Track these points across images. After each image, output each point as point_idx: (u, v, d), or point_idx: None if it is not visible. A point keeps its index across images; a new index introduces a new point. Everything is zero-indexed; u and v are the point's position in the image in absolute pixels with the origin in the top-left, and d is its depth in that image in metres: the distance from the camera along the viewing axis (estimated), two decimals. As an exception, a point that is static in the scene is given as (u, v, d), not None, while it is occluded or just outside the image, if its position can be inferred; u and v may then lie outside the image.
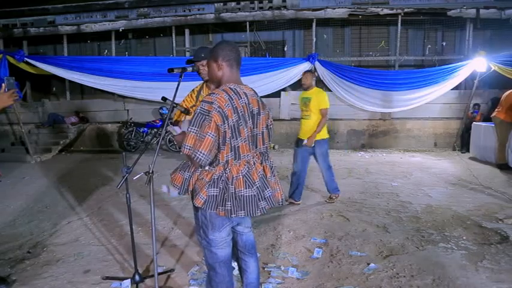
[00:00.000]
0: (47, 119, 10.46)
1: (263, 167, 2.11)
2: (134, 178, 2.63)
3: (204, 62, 2.92)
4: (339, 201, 4.98)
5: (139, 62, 9.25)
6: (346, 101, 9.66)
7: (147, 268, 3.21)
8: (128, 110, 10.67)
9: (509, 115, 6.87)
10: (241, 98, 2.00)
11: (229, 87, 2.01)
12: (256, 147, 2.09)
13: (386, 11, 9.47)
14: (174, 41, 10.54)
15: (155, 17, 10.53)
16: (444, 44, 10.53)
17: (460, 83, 9.19)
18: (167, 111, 9.85)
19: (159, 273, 2.93)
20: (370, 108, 9.51)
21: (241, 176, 1.98)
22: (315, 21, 9.90)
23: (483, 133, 7.81)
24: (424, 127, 9.74)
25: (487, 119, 8.74)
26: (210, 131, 1.88)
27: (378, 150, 9.48)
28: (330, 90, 9.70)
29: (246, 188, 1.97)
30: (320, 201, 5.08)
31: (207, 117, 1.89)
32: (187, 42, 11.09)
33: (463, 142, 9.09)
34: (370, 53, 10.72)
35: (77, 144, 10.78)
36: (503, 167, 6.92)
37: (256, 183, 2.02)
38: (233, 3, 11.30)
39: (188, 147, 1.90)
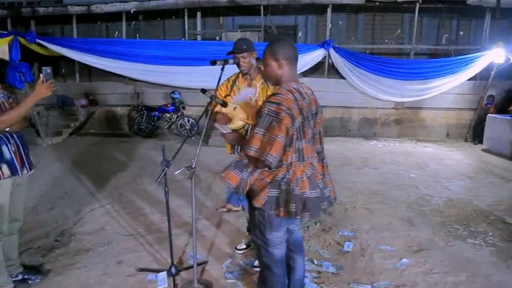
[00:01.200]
0: (56, 101, 10.38)
1: (321, 166, 2.09)
2: (176, 172, 2.61)
3: (245, 54, 2.87)
4: (360, 193, 4.99)
5: (153, 45, 9.13)
6: (359, 89, 9.57)
7: (180, 260, 3.22)
8: (138, 93, 10.59)
9: (527, 108, 6.83)
10: (304, 98, 1.97)
11: (293, 87, 1.97)
12: (315, 147, 2.06)
13: (404, -2, 9.29)
14: (186, 24, 10.39)
15: (168, -1, 10.32)
16: (462, 33, 10.38)
17: (475, 74, 9.09)
18: (179, 96, 9.80)
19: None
20: (384, 97, 9.44)
21: (305, 178, 1.96)
22: (330, 7, 9.73)
23: (498, 125, 7.77)
24: (436, 117, 9.69)
25: (500, 110, 8.71)
26: (280, 134, 1.84)
27: (390, 139, 9.44)
28: (343, 78, 9.63)
29: (310, 190, 1.96)
30: (341, 192, 5.07)
31: (275, 118, 1.85)
32: (198, 26, 10.92)
33: (475, 133, 9.06)
34: (386, 40, 10.56)
35: (87, 127, 10.74)
36: (519, 160, 6.92)
37: (319, 184, 2.02)
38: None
39: (254, 149, 1.87)
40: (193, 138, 9.55)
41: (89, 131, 10.68)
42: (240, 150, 2.97)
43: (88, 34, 11.35)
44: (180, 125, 9.74)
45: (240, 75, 3.05)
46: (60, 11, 10.61)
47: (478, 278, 2.90)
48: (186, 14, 10.36)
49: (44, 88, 2.43)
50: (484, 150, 8.12)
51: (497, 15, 9.06)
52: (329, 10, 9.78)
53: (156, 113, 9.86)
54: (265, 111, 1.88)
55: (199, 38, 10.95)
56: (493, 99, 9.04)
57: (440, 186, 5.38)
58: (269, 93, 2.92)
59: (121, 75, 10.11)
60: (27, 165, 2.65)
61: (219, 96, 2.92)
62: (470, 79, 9.17)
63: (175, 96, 9.69)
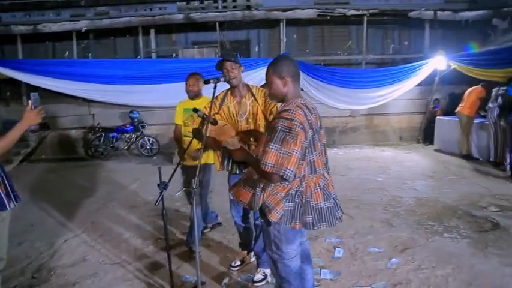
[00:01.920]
0: (2, 127, 9.67)
1: (329, 176, 2.17)
2: (176, 194, 2.56)
3: (234, 65, 2.91)
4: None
5: (108, 65, 8.84)
6: (317, 99, 9.90)
7: (174, 284, 3.13)
8: (93, 114, 10.19)
9: (471, 110, 7.44)
10: (312, 113, 2.05)
11: (301, 103, 2.04)
12: (323, 159, 2.14)
13: (352, 12, 9.85)
14: (141, 42, 10.22)
15: (121, 17, 10.11)
16: (406, 43, 11.15)
17: (422, 80, 9.78)
18: (138, 115, 9.55)
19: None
20: (340, 106, 9.86)
21: (318, 189, 2.02)
22: (284, 22, 10.06)
23: (447, 127, 8.41)
24: (390, 122, 10.28)
25: (446, 113, 9.43)
26: (296, 148, 1.89)
27: (349, 146, 9.85)
28: (301, 90, 9.93)
29: (324, 200, 2.02)
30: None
31: (288, 134, 1.90)
32: (153, 43, 10.79)
33: (426, 135, 9.73)
34: (338, 52, 11.06)
35: (38, 152, 10.09)
36: (467, 157, 7.51)
37: (332, 194, 2.09)
38: (196, 3, 11.10)
39: (270, 165, 1.91)
40: (155, 157, 9.37)
41: (40, 157, 10.04)
42: (236, 167, 3.00)
43: (34, 54, 10.77)
44: (141, 145, 9.49)
45: (229, 92, 3.07)
46: (3, 30, 9.99)
47: (463, 269, 3.12)
48: (140, 32, 10.20)
49: (33, 115, 2.31)
50: (436, 150, 8.72)
51: (435, 26, 9.87)
52: (283, 24, 10.10)
53: (115, 133, 9.53)
54: (279, 127, 1.93)
55: (154, 55, 10.80)
56: (438, 102, 9.78)
57: (407, 187, 5.71)
58: (259, 111, 2.99)
59: (74, 96, 9.67)
60: (13, 197, 2.47)
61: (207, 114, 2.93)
62: (417, 85, 9.86)
63: (134, 115, 9.44)
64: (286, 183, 1.98)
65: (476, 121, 7.42)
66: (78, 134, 10.19)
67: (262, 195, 2.03)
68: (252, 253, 3.44)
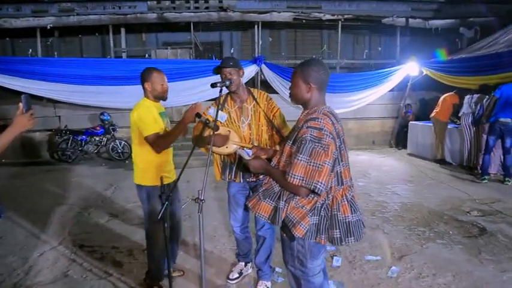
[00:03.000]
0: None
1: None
2: (182, 206, 2.37)
3: (232, 71, 2.78)
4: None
5: (76, 64, 8.34)
6: (292, 103, 9.90)
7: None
8: (59, 116, 9.63)
9: (445, 115, 7.68)
10: (338, 121, 1.95)
11: (328, 111, 1.94)
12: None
13: (328, 17, 9.94)
14: (111, 41, 9.78)
15: (90, 15, 9.62)
16: (380, 48, 11.42)
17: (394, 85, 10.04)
18: (109, 117, 9.12)
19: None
20: (316, 110, 9.88)
21: (346, 202, 1.92)
22: (260, 24, 9.98)
23: (420, 131, 8.65)
24: (363, 126, 10.46)
25: (417, 118, 9.73)
26: (327, 160, 1.79)
27: (325, 149, 9.89)
28: (276, 93, 9.89)
29: (352, 213, 1.93)
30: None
31: (318, 144, 1.80)
32: (123, 43, 10.38)
33: (398, 140, 9.98)
34: (312, 55, 11.13)
35: (-3, 156, 9.42)
36: (441, 161, 7.75)
37: (358, 206, 2.00)
38: (167, 2, 10.81)
39: (299, 178, 1.79)
40: (127, 162, 8.99)
41: (1, 161, 9.36)
42: (240, 176, 2.85)
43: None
44: (112, 148, 9.07)
45: (229, 97, 2.93)
46: (-43, 25, 9.25)
47: (462, 276, 3.14)
48: (110, 30, 9.77)
49: (24, 119, 2.05)
50: (409, 154, 8.96)
51: (407, 33, 10.17)
52: (258, 27, 10.01)
53: (84, 136, 9.04)
54: (308, 137, 1.81)
55: (124, 55, 10.39)
56: (410, 107, 10.06)
57: (390, 192, 5.78)
58: (261, 116, 2.86)
59: (38, 97, 9.09)
60: (-3, 212, 2.20)
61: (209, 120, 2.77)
62: (389, 90, 10.10)
63: (104, 117, 9.01)
64: (313, 195, 1.87)
65: (449, 126, 7.67)
66: (42, 136, 9.59)
67: (285, 209, 1.91)
68: (249, 264, 3.32)
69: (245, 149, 2.45)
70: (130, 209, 5.27)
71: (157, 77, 2.89)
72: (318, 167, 1.78)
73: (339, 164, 1.92)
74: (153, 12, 9.86)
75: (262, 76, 10.04)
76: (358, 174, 6.99)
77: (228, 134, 2.76)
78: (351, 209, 1.94)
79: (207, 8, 10.49)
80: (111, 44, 9.84)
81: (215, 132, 2.66)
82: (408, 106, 10.01)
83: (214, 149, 2.75)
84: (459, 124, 7.27)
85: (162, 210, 2.35)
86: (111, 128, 9.07)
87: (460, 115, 7.08)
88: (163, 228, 2.49)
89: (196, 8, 10.50)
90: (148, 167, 2.85)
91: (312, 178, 1.78)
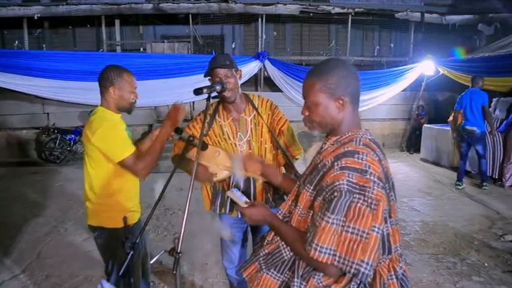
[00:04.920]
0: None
1: None
2: (151, 262, 1.73)
3: (229, 73, 2.10)
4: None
5: (66, 58, 7.69)
6: (297, 102, 9.25)
7: None
8: (48, 113, 8.99)
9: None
10: (384, 155, 1.30)
11: (369, 139, 1.28)
12: None
13: (337, 10, 9.25)
14: (104, 33, 9.14)
15: (81, 4, 8.97)
16: (392, 45, 10.73)
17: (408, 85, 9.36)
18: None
19: None
20: (322, 110, 9.24)
21: (395, 279, 1.27)
22: (264, 17, 9.31)
23: (435, 136, 7.96)
24: (372, 128, 9.68)
25: (430, 120, 9.05)
26: (376, 224, 1.11)
27: (331, 153, 9.25)
28: (278, 91, 9.25)
29: None
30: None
31: (360, 197, 1.13)
32: (117, 35, 9.74)
33: (410, 143, 9.31)
34: (319, 52, 10.46)
35: (-19, 155, 8.80)
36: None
37: (410, 285, 1.34)
38: (167, -8, 10.16)
39: (329, 252, 1.13)
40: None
41: (-14, 161, 8.76)
42: (237, 209, 2.20)
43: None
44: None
45: (221, 107, 2.26)
46: None
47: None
48: (103, 21, 9.12)
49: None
50: (422, 159, 8.28)
51: (422, 29, 9.46)
52: (262, 20, 9.36)
53: (73, 136, 8.41)
54: (344, 186, 1.14)
55: (118, 49, 9.75)
56: (423, 109, 9.38)
57: (407, 207, 5.13)
58: (264, 130, 2.21)
59: (25, 93, 8.48)
60: None
61: (194, 135, 2.10)
62: (401, 90, 9.42)
63: (96, 115, 8.37)
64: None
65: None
66: (30, 135, 8.96)
67: None
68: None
69: (234, 189, 1.73)
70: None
71: (128, 80, 2.12)
72: (362, 236, 1.11)
73: (386, 222, 1.24)
74: (149, 3, 9.20)
75: (266, 73, 9.39)
76: (370, 184, 6.33)
77: (215, 159, 2.10)
78: None
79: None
80: (104, 37, 9.19)
81: (199, 162, 1.98)
82: (421, 108, 9.32)
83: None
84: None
85: (126, 263, 1.72)
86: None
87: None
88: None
89: (197, -1, 9.86)
90: (108, 203, 2.08)
91: (351, 255, 1.11)
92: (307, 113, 1.34)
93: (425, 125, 8.51)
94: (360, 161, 1.16)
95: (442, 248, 3.82)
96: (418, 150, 8.75)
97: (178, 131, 1.97)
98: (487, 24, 9.40)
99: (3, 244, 4.06)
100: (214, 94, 1.98)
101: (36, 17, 8.67)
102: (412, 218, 4.69)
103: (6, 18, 8.80)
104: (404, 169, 7.53)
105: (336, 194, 1.14)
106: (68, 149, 8.39)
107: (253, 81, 9.90)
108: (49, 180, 6.96)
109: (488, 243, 3.93)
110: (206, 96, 1.87)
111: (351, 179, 1.13)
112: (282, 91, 9.18)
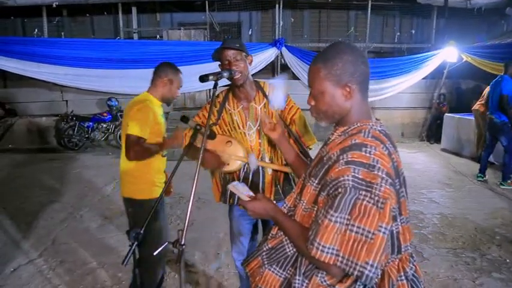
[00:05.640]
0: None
1: None
2: (155, 253, 1.69)
3: (238, 56, 2.02)
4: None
5: (82, 46, 7.74)
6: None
7: None
8: (66, 100, 9.14)
9: (490, 108, 6.71)
10: (394, 146, 1.20)
11: (379, 131, 1.18)
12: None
13: (357, -5, 8.95)
14: (121, 21, 9.14)
15: (98, -8, 8.96)
16: (413, 31, 10.37)
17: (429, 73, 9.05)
18: (117, 103, 8.54)
19: None
20: (340, 98, 9.05)
21: (405, 281, 1.18)
22: (281, 3, 9.10)
23: (457, 125, 7.70)
24: (392, 117, 9.52)
25: (452, 109, 8.75)
26: (383, 224, 1.02)
27: (348, 142, 9.08)
28: (298, 78, 9.09)
29: None
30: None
31: (367, 195, 1.03)
32: (134, 23, 9.70)
33: (430, 133, 9.04)
34: (337, 38, 10.18)
35: (4, 142, 9.02)
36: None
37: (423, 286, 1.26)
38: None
39: (332, 252, 1.05)
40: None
41: (7, 147, 8.97)
42: (237, 202, 2.16)
43: (-2, 32, 9.58)
44: (120, 136, 8.50)
45: (230, 94, 2.19)
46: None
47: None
48: (120, 9, 9.10)
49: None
50: (443, 150, 8.04)
51: (446, 14, 9.08)
52: (279, 6, 9.14)
53: (91, 123, 8.51)
54: (350, 182, 1.05)
55: (135, 36, 9.73)
56: (444, 98, 9.08)
57: (426, 199, 4.97)
58: (275, 119, 2.13)
59: (44, 80, 8.59)
60: None
61: (202, 124, 2.04)
62: (422, 78, 9.12)
63: (112, 103, 8.44)
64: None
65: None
66: (49, 122, 9.13)
67: (304, 287, 1.20)
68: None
69: (239, 183, 1.65)
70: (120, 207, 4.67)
71: (180, 79, 2.47)
72: (367, 236, 1.02)
73: (396, 220, 1.15)
74: (165, -11, 9.11)
75: (283, 60, 9.24)
76: (387, 174, 6.18)
77: (227, 148, 2.05)
78: None
79: (224, -15, 9.66)
80: (121, 24, 9.18)
81: (207, 146, 1.96)
82: (443, 97, 9.01)
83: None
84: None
85: (129, 256, 1.69)
86: (119, 114, 8.49)
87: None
88: (133, 276, 1.84)
89: (214, -15, 9.67)
90: (137, 176, 2.34)
91: (355, 256, 1.03)
92: (313, 103, 1.26)
93: (446, 114, 8.22)
94: (368, 155, 1.07)
95: (461, 243, 3.69)
96: (438, 140, 8.50)
97: (185, 119, 1.91)
98: (516, 9, 8.93)
99: (21, 229, 4.15)
100: (223, 83, 1.91)
101: (54, 5, 8.69)
102: (431, 211, 4.55)
103: (26, 7, 8.86)
104: (423, 159, 7.32)
105: (340, 190, 1.05)
106: (86, 136, 8.50)
107: (270, 69, 9.76)
108: (67, 166, 7.08)
109: (510, 238, 3.78)
110: (213, 84, 1.80)
111: (357, 175, 1.05)
112: (299, 79, 9.02)
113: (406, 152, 7.98)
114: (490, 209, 4.61)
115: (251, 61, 2.14)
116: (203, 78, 1.77)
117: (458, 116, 7.75)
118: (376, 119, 1.25)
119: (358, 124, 1.20)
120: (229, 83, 2.09)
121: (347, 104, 1.21)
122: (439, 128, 8.44)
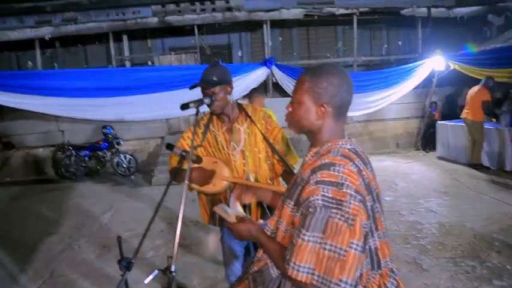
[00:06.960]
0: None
1: None
2: (146, 281, 1.71)
3: (217, 89, 2.08)
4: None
5: (76, 76, 7.82)
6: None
7: None
8: (62, 130, 9.17)
9: (478, 115, 6.76)
10: (366, 163, 1.24)
11: (349, 149, 1.22)
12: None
13: (342, 11, 9.17)
14: (112, 49, 9.28)
15: (89, 22, 9.13)
16: (400, 43, 10.57)
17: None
18: (112, 131, 8.59)
19: None
20: (333, 112, 9.13)
21: None
22: (268, 23, 9.29)
23: (450, 132, 7.77)
24: (385, 128, 9.62)
25: (444, 116, 8.84)
26: (355, 240, 1.07)
27: (344, 155, 9.12)
28: (290, 96, 9.18)
29: None
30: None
31: (337, 212, 1.08)
32: (125, 50, 9.88)
33: (425, 141, 9.10)
34: (326, 54, 10.36)
35: (1, 175, 9.01)
36: (477, 166, 6.87)
37: None
38: (172, 6, 10.20)
39: (307, 271, 1.08)
40: (133, 177, 8.47)
41: (5, 180, 8.96)
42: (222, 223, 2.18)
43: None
44: (117, 163, 8.52)
45: (214, 116, 2.24)
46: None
47: None
48: (111, 38, 9.27)
49: None
50: (439, 158, 8.09)
51: (429, 24, 9.28)
52: (267, 26, 9.33)
53: (87, 152, 8.55)
54: (319, 202, 1.10)
55: (127, 63, 9.90)
56: (435, 105, 9.18)
57: (423, 209, 4.99)
58: (258, 139, 2.18)
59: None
60: None
61: (186, 149, 2.08)
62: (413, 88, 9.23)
63: (107, 131, 8.48)
64: None
65: (488, 126, 6.77)
66: (46, 153, 9.15)
67: None
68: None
69: (226, 205, 1.69)
70: (125, 239, 4.64)
71: None
72: (339, 253, 1.06)
73: (373, 236, 1.19)
74: (154, 17, 9.29)
75: (274, 79, 9.36)
76: (384, 186, 6.19)
77: (213, 168, 2.09)
78: None
79: (213, 9, 9.85)
80: (112, 52, 9.33)
81: (194, 166, 2.00)
82: (433, 104, 9.11)
83: (197, 187, 2.10)
84: (497, 123, 6.39)
85: (121, 284, 1.70)
86: (115, 141, 8.53)
87: (499, 113, 6.19)
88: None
89: (203, 10, 9.86)
90: None
91: (329, 274, 1.06)
92: (290, 109, 1.32)
93: (438, 121, 8.30)
94: (336, 173, 1.12)
95: (460, 251, 3.69)
96: (434, 149, 8.56)
97: (170, 147, 1.95)
98: (497, 15, 9.17)
99: (19, 262, 4.12)
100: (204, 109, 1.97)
101: (47, 38, 8.87)
102: (429, 220, 4.56)
103: (19, 41, 9.03)
104: (419, 169, 7.35)
105: (311, 210, 1.10)
106: (83, 165, 8.52)
107: (263, 87, 9.87)
108: (65, 196, 7.07)
109: (510, 244, 3.78)
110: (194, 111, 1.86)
111: (326, 194, 1.09)
112: (290, 96, 9.11)
113: (402, 162, 8.02)
114: (489, 214, 4.61)
115: (232, 88, 2.18)
116: (184, 107, 1.83)
117: (451, 124, 7.82)
118: (348, 138, 1.28)
119: (329, 144, 1.24)
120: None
121: (318, 122, 1.26)
122: (433, 136, 8.51)
